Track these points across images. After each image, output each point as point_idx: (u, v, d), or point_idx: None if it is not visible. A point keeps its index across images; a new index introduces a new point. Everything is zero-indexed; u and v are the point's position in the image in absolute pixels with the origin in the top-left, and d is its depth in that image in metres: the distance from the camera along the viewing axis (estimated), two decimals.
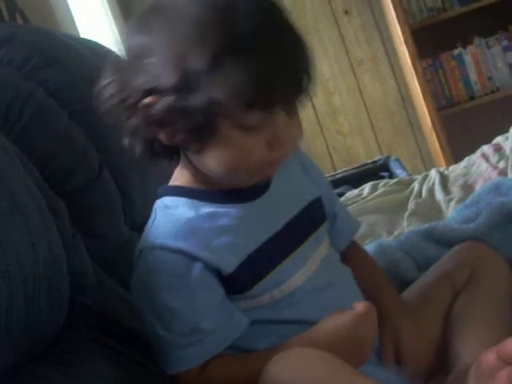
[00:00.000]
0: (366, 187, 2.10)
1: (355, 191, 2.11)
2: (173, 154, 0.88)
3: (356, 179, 2.34)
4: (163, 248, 0.85)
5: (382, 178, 2.36)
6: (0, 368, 0.71)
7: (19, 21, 1.69)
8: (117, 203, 1.16)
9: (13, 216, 0.74)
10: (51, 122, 1.09)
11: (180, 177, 0.91)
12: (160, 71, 0.79)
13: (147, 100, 0.80)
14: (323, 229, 0.98)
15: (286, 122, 0.82)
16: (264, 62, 0.77)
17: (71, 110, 1.14)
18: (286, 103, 0.81)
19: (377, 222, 1.72)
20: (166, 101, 0.79)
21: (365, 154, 3.29)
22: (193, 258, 0.85)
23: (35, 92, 1.09)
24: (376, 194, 2.01)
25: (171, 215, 0.88)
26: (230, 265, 0.86)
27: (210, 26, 0.77)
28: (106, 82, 0.85)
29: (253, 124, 0.79)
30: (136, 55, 0.82)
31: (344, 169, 2.66)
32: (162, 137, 0.83)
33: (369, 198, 1.98)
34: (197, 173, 0.88)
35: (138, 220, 1.23)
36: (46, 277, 0.76)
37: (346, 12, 3.24)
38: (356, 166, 2.61)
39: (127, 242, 1.18)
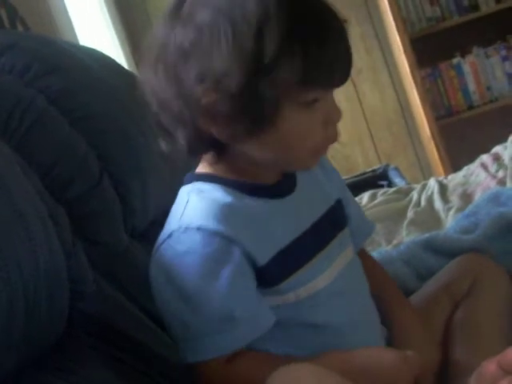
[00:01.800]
0: (365, 196, 2.10)
1: None
2: (214, 146, 0.85)
3: (355, 188, 2.32)
4: (200, 230, 0.82)
5: (381, 186, 2.36)
6: (1, 373, 0.71)
7: (20, 28, 1.69)
8: (117, 210, 1.16)
9: (13, 223, 0.74)
10: (52, 129, 1.09)
11: (210, 167, 0.89)
12: (225, 59, 0.77)
13: (210, 99, 0.78)
14: (346, 232, 0.98)
15: (333, 101, 0.86)
16: (327, 47, 0.81)
17: (72, 117, 1.13)
18: (341, 82, 0.84)
19: (376, 230, 1.71)
20: (230, 94, 0.78)
21: (364, 163, 3.29)
22: (232, 242, 0.82)
23: (36, 99, 1.09)
24: (375, 202, 2.01)
25: (209, 198, 0.85)
26: (264, 256, 0.85)
27: (275, 13, 0.78)
28: (153, 68, 0.82)
29: (312, 99, 0.81)
30: (193, 42, 0.79)
31: (343, 177, 2.65)
32: (216, 129, 0.81)
33: (368, 206, 1.98)
34: (231, 166, 0.87)
35: (138, 227, 1.24)
36: (46, 284, 0.76)
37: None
38: (355, 174, 2.61)
39: (127, 249, 1.18)
